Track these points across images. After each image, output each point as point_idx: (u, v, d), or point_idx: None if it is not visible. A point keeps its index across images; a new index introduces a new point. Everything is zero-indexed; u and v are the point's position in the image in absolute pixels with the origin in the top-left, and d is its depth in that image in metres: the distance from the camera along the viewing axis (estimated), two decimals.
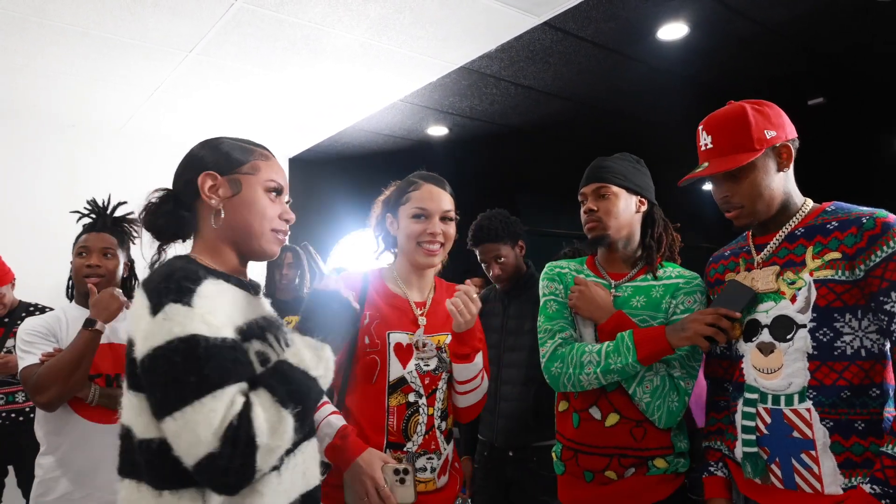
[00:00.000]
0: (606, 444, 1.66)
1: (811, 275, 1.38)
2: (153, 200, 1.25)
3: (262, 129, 4.70)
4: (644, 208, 1.80)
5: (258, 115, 4.45)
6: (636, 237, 1.79)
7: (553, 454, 1.80)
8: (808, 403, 1.35)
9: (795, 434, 1.36)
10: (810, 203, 1.50)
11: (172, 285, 1.06)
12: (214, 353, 1.03)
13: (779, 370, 1.40)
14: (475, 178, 6.72)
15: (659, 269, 1.77)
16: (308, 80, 3.86)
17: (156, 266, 1.19)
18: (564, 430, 1.76)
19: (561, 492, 1.78)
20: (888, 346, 1.35)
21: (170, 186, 1.28)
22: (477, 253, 2.54)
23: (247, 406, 1.02)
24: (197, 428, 0.97)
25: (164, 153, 4.82)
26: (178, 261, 1.16)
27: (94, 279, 2.10)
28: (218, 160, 1.23)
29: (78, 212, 2.23)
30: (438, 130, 5.14)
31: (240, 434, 0.99)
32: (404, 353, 1.62)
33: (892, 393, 1.37)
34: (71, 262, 2.19)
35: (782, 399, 1.39)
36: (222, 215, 1.21)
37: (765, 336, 1.44)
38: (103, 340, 2.02)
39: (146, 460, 1.07)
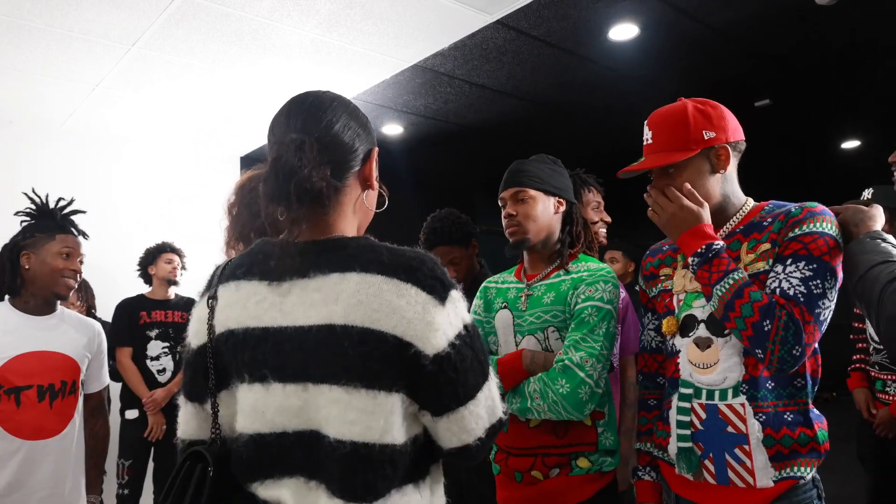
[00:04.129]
0: (530, 445, 1.67)
1: (745, 269, 1.38)
2: (299, 155, 0.96)
3: (210, 126, 4.58)
4: (563, 208, 1.81)
5: (206, 112, 4.34)
6: (555, 237, 1.80)
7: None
8: (743, 398, 1.36)
9: (730, 429, 1.37)
10: (751, 203, 1.50)
11: (440, 272, 0.98)
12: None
13: (715, 365, 1.40)
14: (432, 177, 6.70)
15: (574, 263, 1.78)
16: (257, 76, 3.78)
17: (360, 246, 0.98)
18: None
19: (497, 492, 1.79)
20: None
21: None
22: None
23: None
24: (497, 399, 1.03)
25: (109, 150, 4.71)
26: (378, 243, 1.00)
27: (73, 283, 2.02)
28: (372, 137, 1.10)
29: (25, 213, 2.10)
30: (393, 129, 5.09)
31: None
32: None
33: (811, 385, 1.39)
34: (28, 260, 1.99)
35: (717, 394, 1.39)
36: (375, 196, 1.12)
37: (701, 331, 1.44)
38: (33, 349, 1.91)
39: (412, 460, 0.97)
